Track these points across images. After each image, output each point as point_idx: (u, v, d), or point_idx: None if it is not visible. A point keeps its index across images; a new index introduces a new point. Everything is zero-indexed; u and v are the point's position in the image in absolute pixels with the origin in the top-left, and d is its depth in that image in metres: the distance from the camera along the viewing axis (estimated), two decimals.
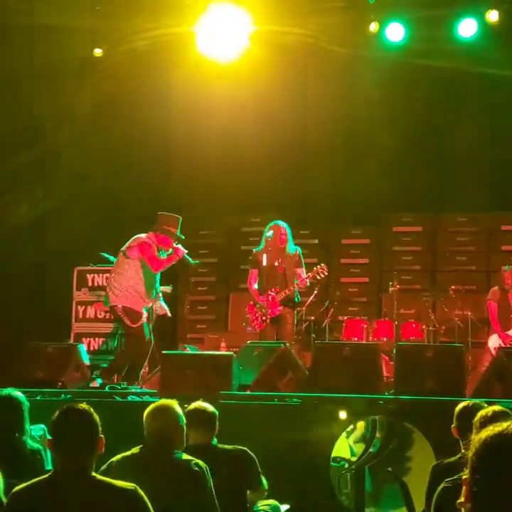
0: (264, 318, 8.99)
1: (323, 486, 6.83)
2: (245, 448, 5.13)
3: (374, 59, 11.60)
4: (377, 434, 6.93)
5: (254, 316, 9.17)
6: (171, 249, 8.57)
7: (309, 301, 10.53)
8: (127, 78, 11.91)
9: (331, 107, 12.24)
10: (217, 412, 5.14)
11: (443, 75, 11.67)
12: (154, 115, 11.94)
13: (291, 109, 12.23)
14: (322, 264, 9.26)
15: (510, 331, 9.61)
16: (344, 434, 6.89)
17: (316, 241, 12.04)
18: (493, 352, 9.42)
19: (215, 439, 5.09)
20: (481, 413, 4.20)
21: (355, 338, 10.23)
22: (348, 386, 7.28)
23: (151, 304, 8.58)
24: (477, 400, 4.97)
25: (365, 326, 10.45)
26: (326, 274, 9.27)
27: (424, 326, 10.54)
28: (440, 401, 6.75)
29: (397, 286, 10.26)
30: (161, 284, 10.15)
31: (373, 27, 11.07)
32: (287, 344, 7.97)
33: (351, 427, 6.93)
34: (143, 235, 8.59)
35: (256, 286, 9.26)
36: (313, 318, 10.65)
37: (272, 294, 9.04)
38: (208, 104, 12.06)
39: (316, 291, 10.68)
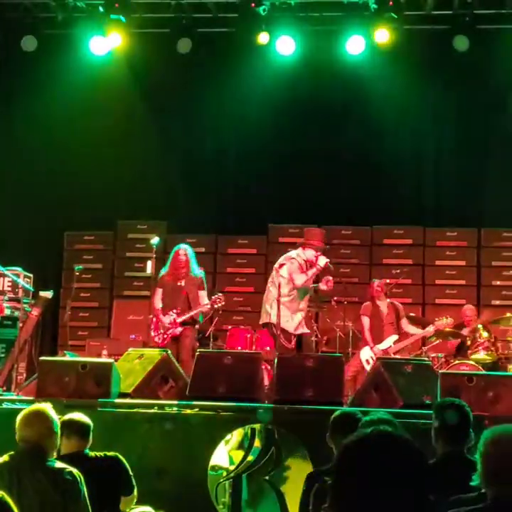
0: (165, 336, 9.23)
1: (201, 495, 6.84)
2: (116, 454, 5.12)
3: (263, 70, 11.78)
4: (256, 443, 6.96)
5: (157, 333, 9.31)
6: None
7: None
8: None
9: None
10: (91, 424, 5.08)
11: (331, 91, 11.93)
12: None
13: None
14: (219, 294, 9.51)
15: (381, 345, 9.88)
16: (223, 442, 6.91)
17: (203, 249, 12.05)
18: (365, 363, 9.72)
19: (87, 449, 5.04)
20: (364, 421, 4.32)
21: (239, 347, 10.28)
22: (229, 395, 7.32)
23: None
24: (352, 409, 5.07)
25: (248, 335, 10.53)
26: (223, 303, 9.44)
27: None
28: (318, 410, 6.85)
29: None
30: (45, 289, 10.00)
31: (264, 39, 11.20)
32: (169, 352, 7.95)
33: (230, 435, 6.95)
34: (292, 252, 8.94)
35: (160, 305, 9.39)
36: (197, 327, 10.65)
37: (174, 314, 9.26)
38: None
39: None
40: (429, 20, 11.46)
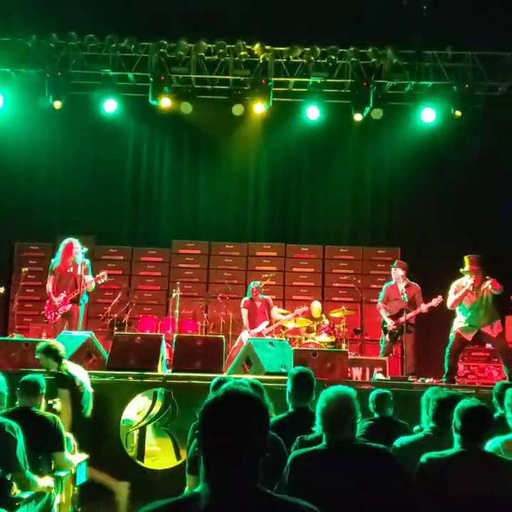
0: (56, 313, 8.56)
1: (115, 441, 6.74)
2: (55, 416, 4.78)
3: None
4: (157, 402, 6.90)
5: (48, 312, 8.60)
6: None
7: (113, 302, 10.45)
8: None
9: None
10: (42, 385, 4.76)
11: None
12: None
13: None
14: (103, 273, 8.72)
15: (255, 329, 9.96)
16: (132, 401, 6.83)
17: (122, 257, 11.88)
18: (244, 342, 9.76)
19: (39, 405, 4.73)
20: (227, 384, 4.32)
21: (148, 331, 10.19)
22: (138, 366, 7.23)
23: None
24: (225, 377, 5.08)
25: (155, 322, 10.44)
26: (106, 279, 8.71)
27: (198, 323, 10.70)
28: (205, 377, 6.83)
29: (180, 293, 10.35)
30: None
31: None
32: (92, 334, 7.77)
33: (138, 396, 6.87)
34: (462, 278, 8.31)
35: (51, 289, 8.63)
36: (116, 315, 10.49)
37: (64, 294, 8.58)
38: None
39: (119, 295, 10.58)
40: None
